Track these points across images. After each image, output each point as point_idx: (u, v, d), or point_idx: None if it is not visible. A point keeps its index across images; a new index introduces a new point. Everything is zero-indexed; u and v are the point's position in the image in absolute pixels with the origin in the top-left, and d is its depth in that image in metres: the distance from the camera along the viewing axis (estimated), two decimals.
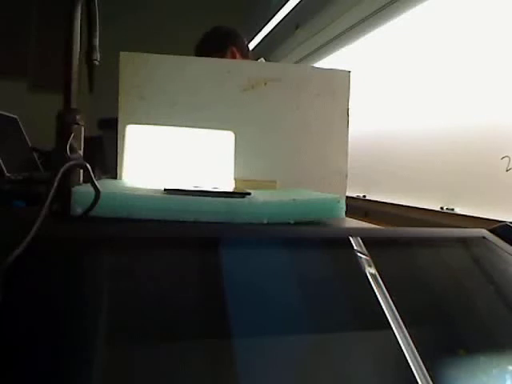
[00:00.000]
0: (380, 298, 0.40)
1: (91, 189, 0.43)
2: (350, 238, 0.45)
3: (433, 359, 0.36)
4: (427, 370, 0.35)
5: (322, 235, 0.47)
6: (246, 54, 1.54)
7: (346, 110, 0.82)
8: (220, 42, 1.50)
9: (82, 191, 0.46)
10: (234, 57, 1.48)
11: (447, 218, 1.20)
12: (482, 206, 1.11)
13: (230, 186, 0.73)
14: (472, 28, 1.22)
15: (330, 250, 0.45)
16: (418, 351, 0.36)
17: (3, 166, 1.13)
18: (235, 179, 0.77)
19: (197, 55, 1.49)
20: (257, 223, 0.49)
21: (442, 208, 1.24)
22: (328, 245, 0.45)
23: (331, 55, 2.06)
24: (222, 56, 1.45)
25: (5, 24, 2.81)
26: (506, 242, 0.51)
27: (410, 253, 0.48)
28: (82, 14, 0.50)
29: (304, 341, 0.36)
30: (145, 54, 0.76)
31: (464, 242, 0.50)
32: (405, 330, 0.37)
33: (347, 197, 0.72)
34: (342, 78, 0.83)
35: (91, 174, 0.43)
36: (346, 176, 0.82)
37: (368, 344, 0.37)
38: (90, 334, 0.31)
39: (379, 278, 0.42)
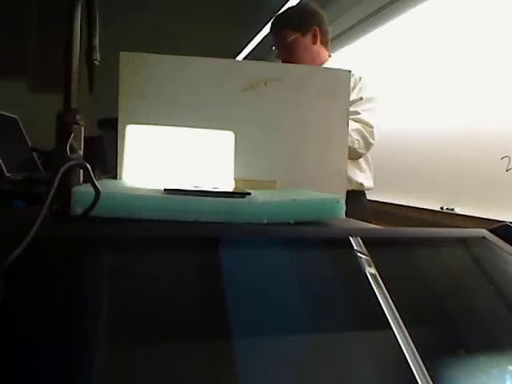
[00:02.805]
0: (380, 298, 0.40)
1: (91, 189, 0.43)
2: (350, 238, 0.45)
3: (433, 359, 0.36)
4: (427, 370, 0.35)
5: (322, 235, 0.47)
6: (326, 41, 1.40)
7: (345, 110, 0.82)
8: (304, 20, 1.37)
9: (82, 191, 0.46)
10: (314, 39, 1.36)
11: (447, 217, 1.20)
12: (481, 206, 1.11)
13: (229, 186, 0.73)
14: (471, 29, 1.22)
15: (330, 250, 0.45)
16: (418, 351, 0.36)
17: (3, 166, 1.13)
18: (235, 179, 0.77)
19: (273, 25, 1.40)
20: (257, 223, 0.49)
21: (441, 208, 1.24)
22: (328, 245, 0.45)
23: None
24: (303, 34, 1.35)
25: (5, 24, 2.81)
26: (506, 242, 0.51)
27: (410, 253, 0.47)
28: (82, 14, 0.50)
29: (304, 341, 0.36)
30: (145, 54, 0.76)
31: (464, 241, 0.50)
32: (405, 329, 0.37)
33: None
34: (342, 78, 0.83)
35: (91, 174, 0.43)
36: (346, 176, 0.82)
37: (368, 344, 0.37)
38: (90, 334, 0.31)
39: (379, 278, 0.42)
